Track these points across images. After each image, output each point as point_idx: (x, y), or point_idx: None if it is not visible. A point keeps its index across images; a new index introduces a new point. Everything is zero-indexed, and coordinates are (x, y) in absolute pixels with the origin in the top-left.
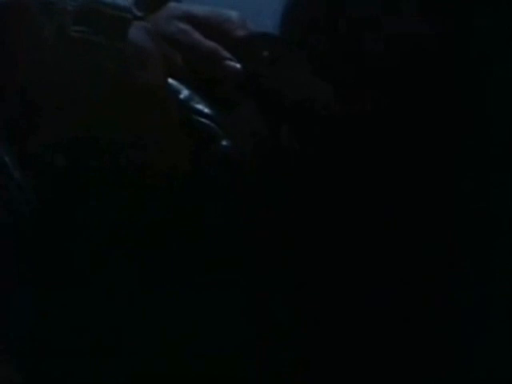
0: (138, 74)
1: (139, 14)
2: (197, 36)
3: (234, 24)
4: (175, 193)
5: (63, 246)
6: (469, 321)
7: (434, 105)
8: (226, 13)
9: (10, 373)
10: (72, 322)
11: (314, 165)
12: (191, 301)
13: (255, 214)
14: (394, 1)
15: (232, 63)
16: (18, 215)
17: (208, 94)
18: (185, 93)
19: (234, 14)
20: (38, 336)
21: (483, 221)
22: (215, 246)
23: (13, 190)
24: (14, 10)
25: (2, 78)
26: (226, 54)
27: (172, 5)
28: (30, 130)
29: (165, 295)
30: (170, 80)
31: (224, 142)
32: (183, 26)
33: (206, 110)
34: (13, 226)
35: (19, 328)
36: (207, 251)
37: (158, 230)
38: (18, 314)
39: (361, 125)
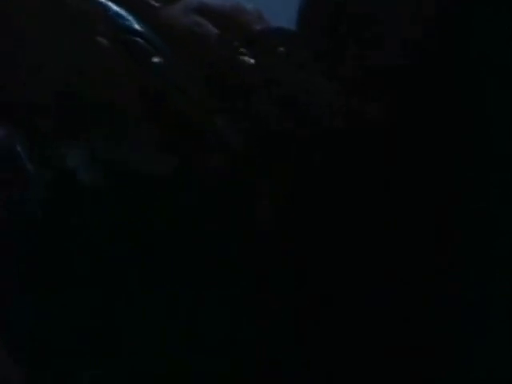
0: None
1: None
2: (211, 29)
3: (250, 17)
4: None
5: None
6: (469, 321)
7: (434, 105)
8: (242, 5)
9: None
10: (72, 323)
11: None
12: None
13: None
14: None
15: (246, 58)
16: (27, 209)
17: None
18: (113, 9)
19: (250, 7)
20: (38, 337)
21: (483, 221)
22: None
23: (25, 182)
24: None
25: None
26: (238, 47)
27: None
28: None
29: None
30: None
31: (156, 59)
32: (198, 18)
33: (136, 27)
34: (21, 221)
35: (20, 329)
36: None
37: None
38: (18, 315)
39: (366, 123)
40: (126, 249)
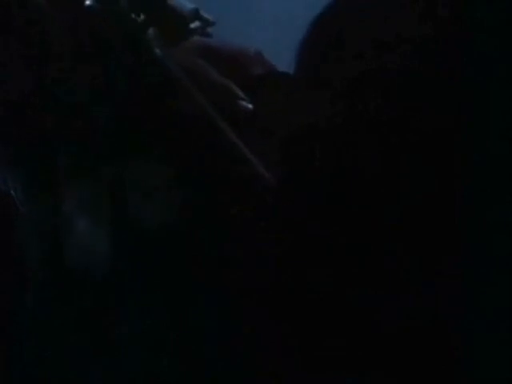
0: None
1: None
2: (211, 72)
3: (251, 61)
4: None
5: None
6: (469, 321)
7: (434, 105)
8: (244, 48)
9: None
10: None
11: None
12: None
13: None
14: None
15: (244, 103)
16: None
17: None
18: None
19: (252, 50)
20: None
21: (484, 221)
22: None
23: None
24: None
25: None
26: (238, 92)
27: (195, 38)
28: None
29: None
30: None
31: (88, 2)
32: (199, 61)
33: None
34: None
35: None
36: None
37: None
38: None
39: (366, 123)
40: (127, 249)
